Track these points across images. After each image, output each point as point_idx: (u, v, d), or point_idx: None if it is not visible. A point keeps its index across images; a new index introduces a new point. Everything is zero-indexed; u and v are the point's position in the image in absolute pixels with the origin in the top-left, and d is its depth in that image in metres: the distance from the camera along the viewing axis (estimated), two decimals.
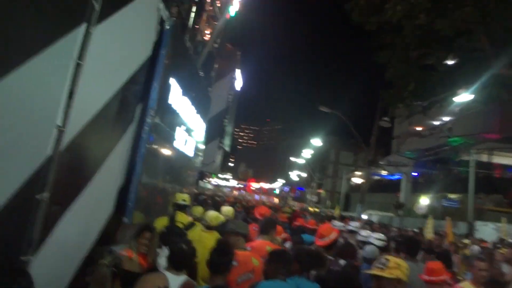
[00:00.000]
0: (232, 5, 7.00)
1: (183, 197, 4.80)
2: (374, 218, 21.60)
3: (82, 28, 2.70)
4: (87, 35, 2.74)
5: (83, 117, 2.96)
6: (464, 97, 11.47)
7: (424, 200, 22.96)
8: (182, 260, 2.86)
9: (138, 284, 2.67)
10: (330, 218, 11.83)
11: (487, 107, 16.52)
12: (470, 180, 17.42)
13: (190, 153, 6.40)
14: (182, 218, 4.64)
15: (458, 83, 11.11)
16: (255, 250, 3.57)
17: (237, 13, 7.63)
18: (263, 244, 3.72)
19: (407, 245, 4.55)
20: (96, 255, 2.59)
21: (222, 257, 2.88)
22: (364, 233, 5.87)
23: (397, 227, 13.22)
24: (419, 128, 22.64)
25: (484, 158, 24.24)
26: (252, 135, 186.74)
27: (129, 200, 4.20)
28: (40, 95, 2.57)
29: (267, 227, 3.99)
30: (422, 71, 11.74)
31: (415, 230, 11.98)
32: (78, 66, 2.71)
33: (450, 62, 11.30)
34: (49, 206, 2.69)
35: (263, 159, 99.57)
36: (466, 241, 10.56)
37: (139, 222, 4.56)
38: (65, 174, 2.89)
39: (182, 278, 2.82)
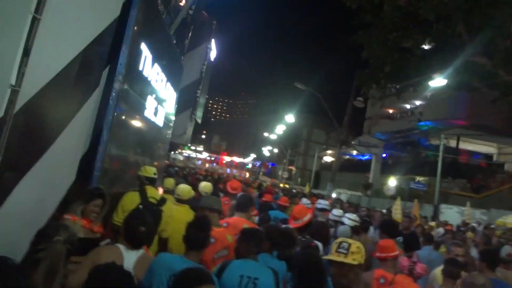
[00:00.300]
0: None
1: (153, 171, 4.61)
2: (343, 197, 22.18)
3: None
4: None
5: (41, 77, 2.72)
6: (438, 81, 11.66)
7: (392, 181, 23.68)
8: (138, 241, 2.73)
9: (90, 256, 2.54)
10: (302, 195, 11.92)
11: (458, 93, 16.99)
12: (438, 164, 17.96)
13: (160, 123, 6.19)
14: (154, 193, 4.45)
15: (432, 68, 11.28)
16: (231, 227, 3.52)
17: None
18: (240, 221, 3.66)
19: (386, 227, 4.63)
20: (51, 229, 2.42)
21: (200, 232, 2.78)
22: (337, 212, 5.91)
23: (365, 207, 13.55)
24: (391, 111, 23.12)
25: (452, 143, 25.11)
26: (225, 108, 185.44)
27: (95, 168, 4.01)
28: None
29: (245, 205, 3.93)
30: (399, 53, 11.82)
31: (384, 210, 12.29)
32: (34, 20, 2.46)
33: (426, 47, 11.43)
34: (2, 172, 2.50)
35: (236, 133, 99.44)
36: (432, 223, 10.98)
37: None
38: (20, 138, 2.67)
39: (139, 252, 2.71)
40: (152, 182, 4.55)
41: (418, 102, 23.47)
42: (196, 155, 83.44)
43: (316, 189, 27.43)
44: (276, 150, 52.44)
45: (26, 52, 2.47)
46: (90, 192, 3.55)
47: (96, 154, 4.00)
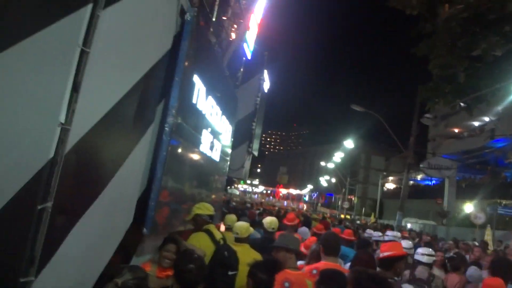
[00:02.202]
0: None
1: (211, 207, 4.34)
2: (415, 227, 20.25)
3: (87, 8, 2.32)
4: (93, 17, 2.35)
5: (92, 114, 2.57)
6: None
7: (470, 207, 21.21)
8: (188, 280, 2.56)
9: None
10: (373, 228, 10.92)
11: None
12: None
13: (217, 157, 5.98)
14: (216, 232, 4.18)
15: (506, 76, 9.90)
16: None
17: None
18: (332, 267, 2.97)
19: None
20: (112, 271, 2.21)
21: (267, 274, 2.51)
22: (423, 250, 5.02)
23: (454, 240, 11.60)
24: (457, 130, 21.12)
25: None
26: (278, 140, 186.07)
27: (149, 208, 3.80)
28: (38, 85, 2.21)
29: (334, 246, 3.34)
30: (470, 62, 10.57)
31: (475, 243, 10.50)
32: (83, 53, 2.32)
33: (499, 52, 10.18)
34: (53, 217, 2.31)
35: (291, 165, 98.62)
36: None
37: (160, 233, 4.17)
38: (73, 180, 2.50)
39: None
40: (212, 219, 4.29)
41: (487, 118, 21.20)
42: (253, 189, 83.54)
43: (380, 219, 25.66)
44: (333, 180, 50.84)
45: (76, 88, 2.32)
46: (164, 238, 3.39)
47: (150, 193, 3.80)
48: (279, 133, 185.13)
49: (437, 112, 14.96)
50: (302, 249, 3.86)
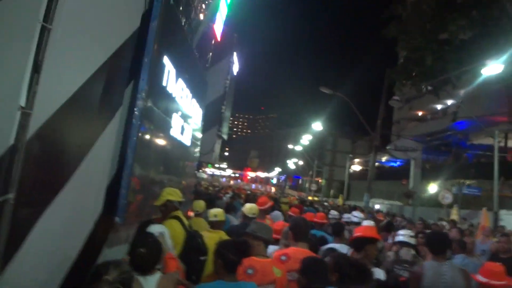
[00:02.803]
0: None
1: (180, 194, 4.22)
2: (382, 208, 20.80)
3: None
4: None
5: (56, 97, 2.37)
6: (493, 68, 9.85)
7: (433, 188, 22.03)
8: (141, 263, 2.58)
9: None
10: (347, 209, 11.09)
11: (495, 88, 15.45)
12: (495, 165, 15.67)
13: (187, 142, 5.82)
14: (185, 220, 4.10)
15: (475, 58, 10.12)
16: (292, 260, 2.95)
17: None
18: (302, 253, 3.01)
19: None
20: (102, 268, 2.15)
21: (233, 254, 2.58)
22: (405, 232, 5.11)
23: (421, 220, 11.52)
24: (420, 113, 21.81)
25: (491, 141, 22.91)
26: (246, 124, 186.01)
27: (121, 196, 3.63)
28: None
29: (304, 231, 3.32)
30: (438, 45, 10.66)
31: (443, 223, 10.54)
32: (44, 31, 2.11)
33: (466, 35, 10.34)
34: (16, 209, 2.13)
35: (258, 148, 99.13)
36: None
37: (132, 221, 4.03)
38: (36, 169, 2.31)
39: (155, 277, 2.59)
40: (181, 206, 4.19)
41: (450, 102, 21.88)
42: (220, 173, 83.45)
43: (348, 201, 26.28)
44: (301, 162, 51.63)
45: (37, 68, 2.12)
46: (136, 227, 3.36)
47: (121, 180, 3.63)
48: (246, 116, 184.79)
49: (402, 95, 15.26)
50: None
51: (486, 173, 19.63)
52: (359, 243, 3.20)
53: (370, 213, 10.35)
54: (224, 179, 74.17)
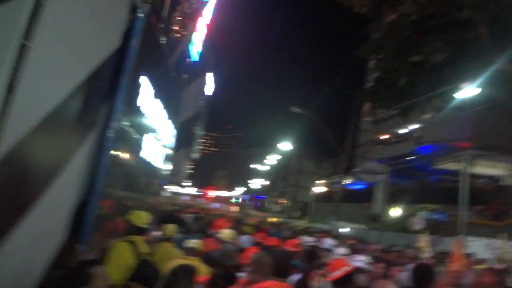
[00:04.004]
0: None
1: (146, 219, 3.98)
2: (345, 231, 20.51)
3: None
4: (37, 7, 2.00)
5: (29, 118, 2.19)
6: (468, 91, 9.89)
7: (397, 211, 22.11)
8: None
9: None
10: (306, 232, 10.98)
11: (460, 114, 15.67)
12: (461, 191, 15.59)
13: (159, 163, 5.63)
14: (143, 246, 3.82)
15: (447, 82, 10.19)
16: None
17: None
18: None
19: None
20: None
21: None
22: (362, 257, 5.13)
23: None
24: (385, 136, 22.23)
25: (454, 167, 23.24)
26: (212, 142, 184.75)
27: (87, 223, 3.40)
28: None
29: (283, 265, 3.20)
30: (412, 67, 10.72)
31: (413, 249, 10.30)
32: (23, 48, 1.96)
33: (439, 59, 10.45)
34: None
35: (224, 167, 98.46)
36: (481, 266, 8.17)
37: (99, 248, 3.78)
38: (1, 195, 2.11)
39: None
40: (142, 232, 3.94)
41: (414, 126, 22.27)
42: (184, 191, 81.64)
43: (313, 223, 26.21)
44: (266, 182, 51.65)
45: (11, 88, 1.95)
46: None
47: (89, 205, 3.40)
48: (213, 134, 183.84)
49: (373, 116, 15.32)
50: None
51: (450, 198, 19.90)
52: (347, 279, 3.13)
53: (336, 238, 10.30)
54: (187, 198, 72.58)
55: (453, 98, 10.66)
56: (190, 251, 4.22)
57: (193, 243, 4.17)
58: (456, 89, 9.89)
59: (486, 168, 23.21)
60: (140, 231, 3.87)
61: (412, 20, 10.27)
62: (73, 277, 2.40)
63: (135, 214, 3.90)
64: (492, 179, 24.93)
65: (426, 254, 9.56)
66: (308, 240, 8.31)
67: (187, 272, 2.79)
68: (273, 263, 3.11)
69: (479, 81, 9.31)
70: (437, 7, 9.57)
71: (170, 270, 2.82)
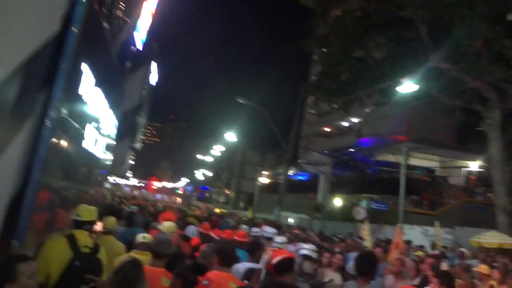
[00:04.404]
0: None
1: (88, 212, 3.83)
2: (291, 221, 20.98)
3: None
4: None
5: None
6: (408, 87, 10.29)
7: (339, 201, 23.05)
8: None
9: None
10: (254, 223, 11.10)
11: (397, 109, 16.61)
12: (401, 182, 16.50)
13: (100, 154, 5.42)
14: (85, 239, 3.65)
15: (387, 78, 10.73)
16: (214, 285, 2.89)
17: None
18: (224, 278, 3.02)
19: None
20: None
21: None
22: (310, 246, 5.35)
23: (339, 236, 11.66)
24: (328, 129, 23.08)
25: (393, 159, 24.43)
26: (154, 132, 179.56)
27: (21, 217, 3.21)
28: None
29: (229, 256, 3.27)
30: (354, 62, 11.14)
31: (356, 238, 10.83)
32: None
33: (379, 55, 10.93)
34: None
35: (166, 157, 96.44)
36: (420, 252, 8.51)
37: (34, 243, 3.59)
38: None
39: None
40: (83, 225, 3.79)
41: (355, 119, 23.25)
42: (125, 182, 78.95)
43: (258, 213, 26.56)
44: (210, 174, 51.44)
45: None
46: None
47: (23, 199, 3.21)
48: (155, 124, 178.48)
49: (318, 109, 15.75)
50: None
51: (389, 188, 20.97)
52: (286, 265, 3.27)
53: (280, 228, 10.59)
54: (128, 189, 70.18)
55: (392, 93, 11.31)
56: (141, 246, 4.13)
57: (144, 237, 4.13)
58: (395, 84, 10.43)
59: (420, 160, 25.31)
60: (84, 224, 3.73)
61: (356, 16, 10.67)
62: None
63: (80, 207, 3.76)
64: (426, 170, 27.19)
65: (367, 242, 10.01)
66: (254, 230, 8.48)
67: (136, 265, 2.78)
68: (218, 254, 3.19)
69: (417, 77, 9.76)
70: (380, 5, 10.06)
71: (119, 265, 2.80)
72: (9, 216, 3.07)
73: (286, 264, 3.27)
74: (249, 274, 3.44)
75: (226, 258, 3.21)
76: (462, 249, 10.24)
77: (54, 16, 3.20)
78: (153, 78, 9.90)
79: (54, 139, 3.47)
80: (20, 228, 3.22)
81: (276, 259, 3.32)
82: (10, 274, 2.22)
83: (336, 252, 5.88)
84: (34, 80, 2.99)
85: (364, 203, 19.31)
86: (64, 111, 3.56)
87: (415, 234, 16.26)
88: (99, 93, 4.64)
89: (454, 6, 9.11)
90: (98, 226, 5.26)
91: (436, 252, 9.49)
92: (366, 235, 10.66)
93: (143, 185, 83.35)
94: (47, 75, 3.22)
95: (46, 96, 3.29)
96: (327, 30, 11.24)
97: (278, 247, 4.94)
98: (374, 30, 10.55)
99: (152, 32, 8.54)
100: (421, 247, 9.90)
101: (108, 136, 5.90)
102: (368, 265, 3.72)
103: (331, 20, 11.25)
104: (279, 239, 5.65)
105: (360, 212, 17.50)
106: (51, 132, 3.32)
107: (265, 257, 3.68)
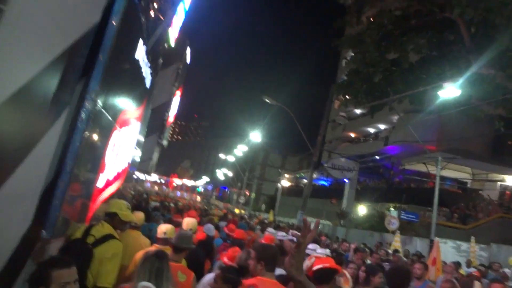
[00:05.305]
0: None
1: (112, 205, 3.94)
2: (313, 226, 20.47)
3: None
4: None
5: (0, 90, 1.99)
6: (450, 91, 9.50)
7: (362, 209, 22.45)
8: None
9: None
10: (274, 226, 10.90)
11: (428, 116, 15.77)
12: (435, 193, 15.54)
13: (130, 148, 5.41)
14: (100, 230, 3.70)
15: (416, 85, 10.22)
16: None
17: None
18: (271, 285, 2.92)
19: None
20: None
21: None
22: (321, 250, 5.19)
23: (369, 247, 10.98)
24: (353, 135, 22.57)
25: (421, 168, 23.22)
26: (177, 130, 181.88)
27: (53, 208, 3.18)
28: None
29: (273, 260, 3.12)
30: (390, 63, 10.66)
31: (387, 250, 10.16)
32: None
33: (416, 57, 10.45)
34: None
35: (188, 156, 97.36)
36: (461, 271, 8.13)
37: (63, 235, 3.58)
38: None
39: None
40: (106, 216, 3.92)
41: (382, 126, 22.63)
42: (145, 177, 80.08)
43: (278, 217, 26.22)
44: (230, 173, 51.50)
45: None
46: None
47: (55, 190, 3.19)
48: (178, 122, 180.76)
49: (344, 113, 15.28)
50: (225, 259, 3.69)
51: (417, 198, 20.03)
52: (326, 275, 3.11)
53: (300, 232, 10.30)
54: (148, 184, 71.18)
55: (426, 99, 10.81)
56: (161, 241, 4.16)
57: (165, 232, 4.17)
58: (432, 90, 9.92)
59: (451, 171, 24.08)
60: (106, 215, 3.82)
61: (395, 15, 10.25)
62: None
63: (119, 204, 3.87)
64: (456, 182, 25.88)
65: (399, 253, 9.42)
66: (280, 234, 8.32)
67: (161, 256, 2.91)
68: (262, 260, 3.07)
69: (460, 81, 9.21)
70: (422, 5, 9.63)
71: (146, 255, 2.94)
72: (40, 206, 3.05)
73: (327, 274, 3.11)
74: (280, 280, 3.30)
75: (271, 263, 3.09)
76: (506, 270, 9.23)
77: (96, 6, 3.17)
78: (184, 75, 9.91)
79: (87, 131, 3.44)
80: (51, 219, 3.20)
81: (317, 266, 3.17)
82: (45, 279, 2.18)
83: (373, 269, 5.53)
84: (73, 70, 2.96)
85: (394, 213, 18.49)
86: (99, 103, 3.53)
87: (447, 248, 15.28)
88: (133, 87, 4.62)
89: (506, 5, 8.38)
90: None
91: (472, 270, 8.78)
92: (398, 246, 10.21)
93: (163, 181, 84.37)
94: (85, 66, 3.19)
95: (83, 87, 3.26)
96: (362, 29, 10.88)
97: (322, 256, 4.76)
98: (413, 31, 10.10)
99: (184, 29, 8.52)
100: (456, 264, 9.13)
101: (139, 132, 5.89)
102: (401, 281, 3.52)
103: (366, 18, 10.90)
104: (321, 250, 5.44)
105: (393, 222, 16.50)
106: (85, 124, 3.29)
107: (306, 262, 3.53)
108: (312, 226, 1.74)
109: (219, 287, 2.92)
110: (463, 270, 7.66)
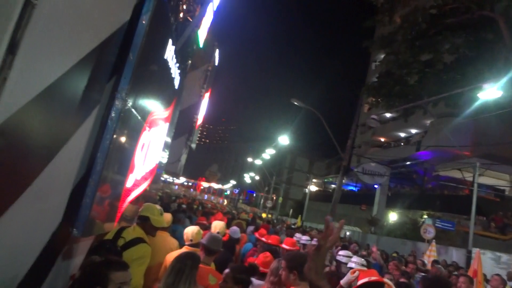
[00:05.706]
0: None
1: (151, 211, 4.01)
2: (343, 234, 20.02)
3: None
4: None
5: (30, 85, 1.97)
6: (491, 93, 8.87)
7: (393, 215, 21.82)
8: None
9: None
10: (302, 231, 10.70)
11: (462, 121, 15.18)
12: (473, 200, 14.90)
13: (158, 149, 5.42)
14: (130, 232, 3.86)
15: (451, 87, 9.77)
16: None
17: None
18: None
19: None
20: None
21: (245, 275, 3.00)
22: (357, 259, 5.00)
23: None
24: (383, 139, 21.94)
25: (456, 174, 22.43)
26: (205, 133, 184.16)
27: (83, 206, 3.18)
28: None
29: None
30: (423, 64, 10.23)
31: (423, 259, 9.86)
32: (27, 4, 1.74)
33: (451, 58, 10.00)
34: None
35: (215, 159, 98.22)
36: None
37: (93, 234, 3.59)
38: None
39: None
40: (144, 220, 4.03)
41: (414, 131, 21.94)
42: (173, 180, 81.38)
43: (306, 222, 25.82)
44: (257, 177, 51.48)
45: (12, 49, 1.73)
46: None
47: (86, 188, 3.19)
48: (206, 125, 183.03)
49: (376, 116, 14.79)
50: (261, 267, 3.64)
51: (452, 206, 19.19)
52: None
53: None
54: (176, 187, 72.30)
55: (462, 102, 10.31)
56: (191, 246, 4.19)
57: (191, 239, 4.24)
58: (470, 92, 9.39)
59: (487, 178, 22.78)
60: (140, 219, 3.92)
61: (430, 14, 9.83)
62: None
63: (152, 209, 4.02)
64: (493, 189, 24.49)
65: (433, 264, 9.06)
66: (304, 238, 8.19)
67: (193, 258, 2.98)
68: (295, 269, 2.93)
69: (501, 82, 8.74)
70: (459, 2, 9.19)
71: (177, 258, 3.05)
72: (70, 204, 3.06)
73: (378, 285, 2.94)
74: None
75: (302, 270, 2.95)
76: None
77: (126, 6, 3.16)
78: (212, 77, 9.92)
79: (117, 130, 3.44)
80: (81, 218, 3.20)
81: (363, 280, 2.99)
82: (103, 280, 2.30)
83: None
84: (103, 69, 2.95)
85: (429, 221, 17.71)
86: (129, 102, 3.52)
87: (485, 260, 14.29)
88: (162, 87, 4.61)
89: None
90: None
91: None
92: (435, 256, 9.75)
93: (191, 184, 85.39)
94: (115, 65, 3.18)
95: (113, 86, 3.26)
96: (394, 28, 10.50)
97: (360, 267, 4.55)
98: (448, 30, 9.61)
99: (213, 31, 8.53)
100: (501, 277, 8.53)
101: (167, 133, 5.90)
102: None
103: (399, 18, 10.51)
104: (356, 259, 5.21)
105: (430, 230, 15.75)
106: (115, 123, 3.28)
107: (349, 276, 3.38)
108: (336, 226, 1.57)
109: (230, 287, 2.90)
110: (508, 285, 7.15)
